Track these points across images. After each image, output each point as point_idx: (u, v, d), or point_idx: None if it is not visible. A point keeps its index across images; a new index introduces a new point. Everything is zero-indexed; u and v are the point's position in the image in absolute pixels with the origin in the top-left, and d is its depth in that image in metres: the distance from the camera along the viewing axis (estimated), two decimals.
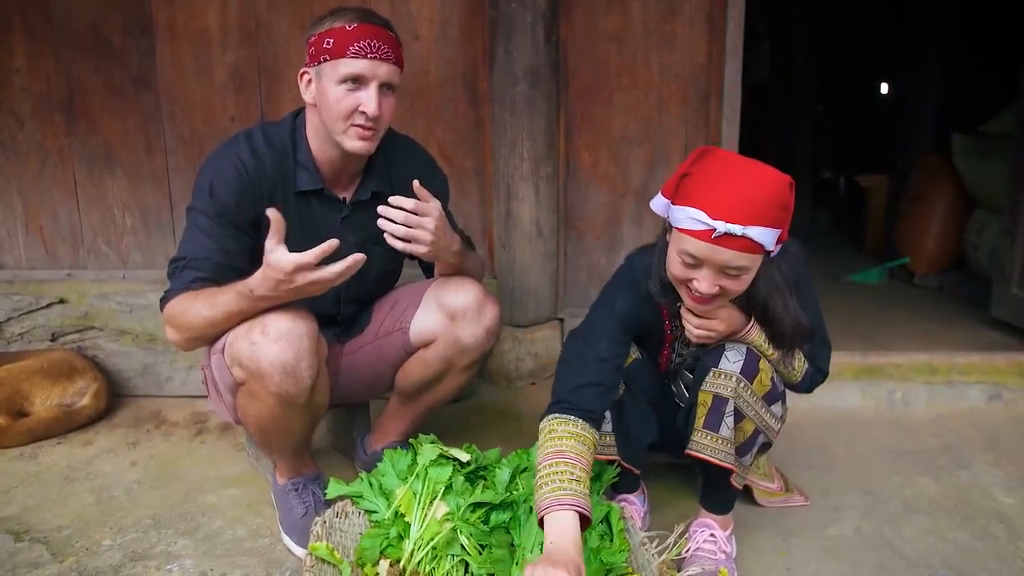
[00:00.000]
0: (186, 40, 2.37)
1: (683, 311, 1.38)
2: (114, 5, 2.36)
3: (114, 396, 2.38)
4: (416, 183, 1.42)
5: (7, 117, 2.47)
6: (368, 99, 1.43)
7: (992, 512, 1.70)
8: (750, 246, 1.18)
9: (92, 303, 2.45)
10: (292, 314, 1.39)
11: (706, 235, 1.18)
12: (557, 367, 1.44)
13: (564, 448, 1.27)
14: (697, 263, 1.23)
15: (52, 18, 2.39)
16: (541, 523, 1.23)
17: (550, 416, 1.34)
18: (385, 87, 1.46)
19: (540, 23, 2.11)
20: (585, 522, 1.22)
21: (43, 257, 2.57)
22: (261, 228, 1.50)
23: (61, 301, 2.46)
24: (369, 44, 1.41)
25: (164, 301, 1.46)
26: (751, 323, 1.39)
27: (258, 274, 1.32)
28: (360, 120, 1.44)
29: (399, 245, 1.43)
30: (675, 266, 1.28)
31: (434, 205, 1.43)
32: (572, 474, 1.24)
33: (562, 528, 1.18)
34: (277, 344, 1.35)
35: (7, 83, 2.44)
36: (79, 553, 1.58)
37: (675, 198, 1.24)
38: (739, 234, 1.15)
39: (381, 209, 1.41)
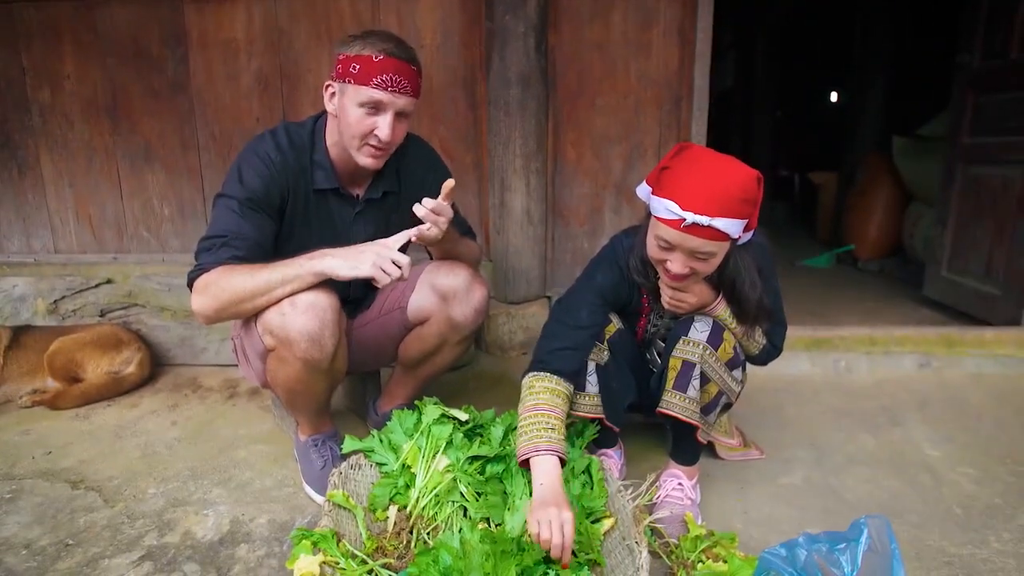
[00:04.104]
0: (216, 49, 2.33)
1: (660, 283, 1.37)
2: (152, 18, 2.33)
3: (156, 365, 2.37)
4: (449, 184, 1.41)
5: (59, 118, 2.44)
6: (384, 125, 1.39)
7: (921, 463, 1.71)
8: (716, 235, 1.17)
9: (135, 283, 2.43)
10: (317, 289, 1.37)
11: (677, 224, 1.17)
12: (542, 330, 1.45)
13: (540, 402, 1.30)
14: (670, 247, 1.22)
15: (98, 29, 2.35)
16: (523, 464, 1.28)
17: (530, 374, 1.37)
18: (400, 114, 1.42)
19: (531, 33, 2.07)
20: (560, 462, 1.25)
21: (92, 243, 2.54)
22: (284, 217, 1.49)
23: (108, 281, 2.44)
24: (391, 78, 1.36)
25: (197, 272, 1.38)
26: (719, 299, 1.38)
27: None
28: (373, 142, 1.41)
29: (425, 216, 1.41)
30: (652, 249, 1.27)
31: (448, 205, 1.43)
32: (547, 423, 1.27)
33: (546, 470, 1.22)
34: (304, 315, 1.34)
35: (59, 88, 2.41)
36: (127, 500, 1.58)
37: (655, 188, 1.23)
38: (706, 224, 1.14)
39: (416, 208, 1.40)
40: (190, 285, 1.38)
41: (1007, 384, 2.18)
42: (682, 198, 1.15)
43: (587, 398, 1.48)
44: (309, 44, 2.30)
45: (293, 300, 1.35)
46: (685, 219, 1.15)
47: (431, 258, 1.68)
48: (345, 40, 1.40)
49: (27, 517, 1.51)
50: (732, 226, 1.16)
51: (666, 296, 1.36)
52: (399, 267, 1.31)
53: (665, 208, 1.18)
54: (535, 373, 1.36)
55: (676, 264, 1.22)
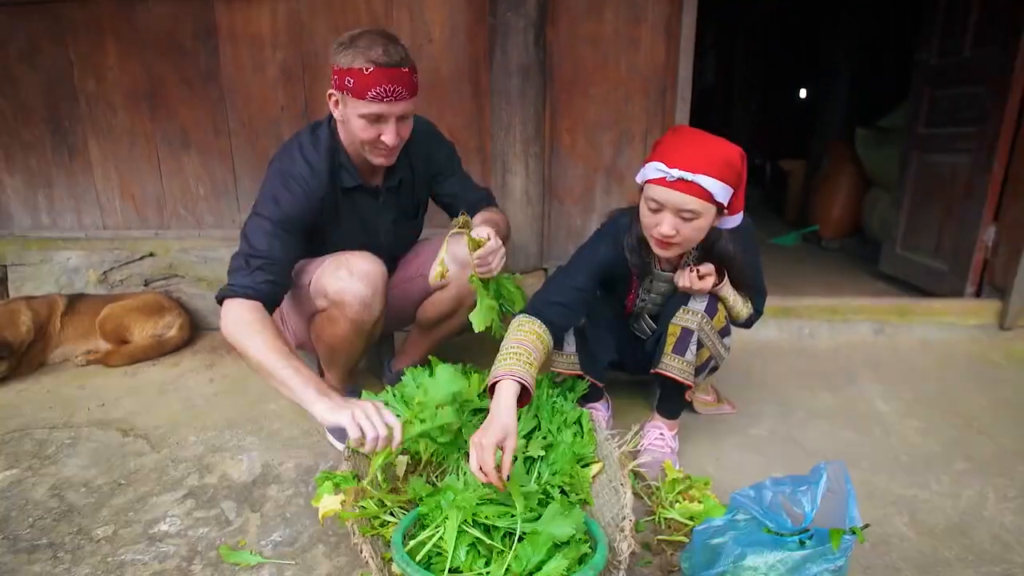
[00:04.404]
0: (244, 42, 2.26)
1: (677, 274, 1.37)
2: (186, 13, 2.25)
3: (195, 329, 2.36)
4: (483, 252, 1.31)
5: (104, 106, 2.38)
6: (388, 133, 1.31)
7: (873, 417, 1.71)
8: (700, 192, 1.14)
9: (175, 256, 2.41)
10: (371, 258, 1.37)
11: (663, 181, 1.15)
12: (543, 284, 1.42)
13: (526, 340, 1.24)
14: (659, 207, 1.19)
15: (136, 25, 2.29)
16: (492, 389, 1.16)
17: (523, 315, 1.32)
18: (402, 117, 1.33)
19: (531, 28, 2.00)
20: (528, 395, 1.18)
21: (136, 220, 2.51)
22: (318, 228, 1.43)
23: (151, 255, 2.42)
24: (385, 89, 1.25)
25: (229, 293, 1.27)
26: (725, 281, 1.37)
27: (325, 392, 1.16)
28: (382, 146, 1.34)
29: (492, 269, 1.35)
30: (644, 214, 1.24)
31: (493, 238, 1.33)
32: (528, 359, 1.20)
33: (502, 396, 1.13)
34: (361, 282, 1.35)
35: (103, 79, 2.35)
36: (171, 446, 1.58)
37: (647, 159, 1.20)
38: (690, 179, 1.12)
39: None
40: (220, 300, 1.29)
41: (951, 348, 2.17)
42: (668, 158, 1.14)
43: (565, 356, 1.48)
44: (328, 38, 2.23)
45: (350, 267, 1.35)
46: (670, 175, 1.13)
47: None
48: (336, 48, 1.28)
49: (84, 460, 1.51)
50: (715, 186, 1.13)
51: (684, 281, 1.35)
52: (383, 425, 1.10)
53: (654, 169, 1.16)
54: (528, 316, 1.31)
55: (664, 225, 1.19)
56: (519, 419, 1.32)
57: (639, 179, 1.24)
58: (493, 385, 1.17)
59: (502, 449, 1.08)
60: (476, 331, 1.33)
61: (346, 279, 1.34)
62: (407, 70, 1.28)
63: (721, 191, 1.15)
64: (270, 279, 1.30)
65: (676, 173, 1.12)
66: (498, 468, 1.06)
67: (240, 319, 1.25)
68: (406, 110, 1.32)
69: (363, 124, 1.30)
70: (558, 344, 1.47)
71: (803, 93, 7.45)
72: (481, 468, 1.06)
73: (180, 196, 2.46)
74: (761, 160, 6.49)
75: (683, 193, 1.14)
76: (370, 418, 1.09)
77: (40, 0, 2.27)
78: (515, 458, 1.23)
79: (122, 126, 2.39)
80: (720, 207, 1.19)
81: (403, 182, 1.54)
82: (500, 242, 1.34)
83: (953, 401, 1.79)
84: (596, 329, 1.50)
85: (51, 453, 1.55)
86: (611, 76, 2.17)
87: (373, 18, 2.19)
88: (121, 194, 2.48)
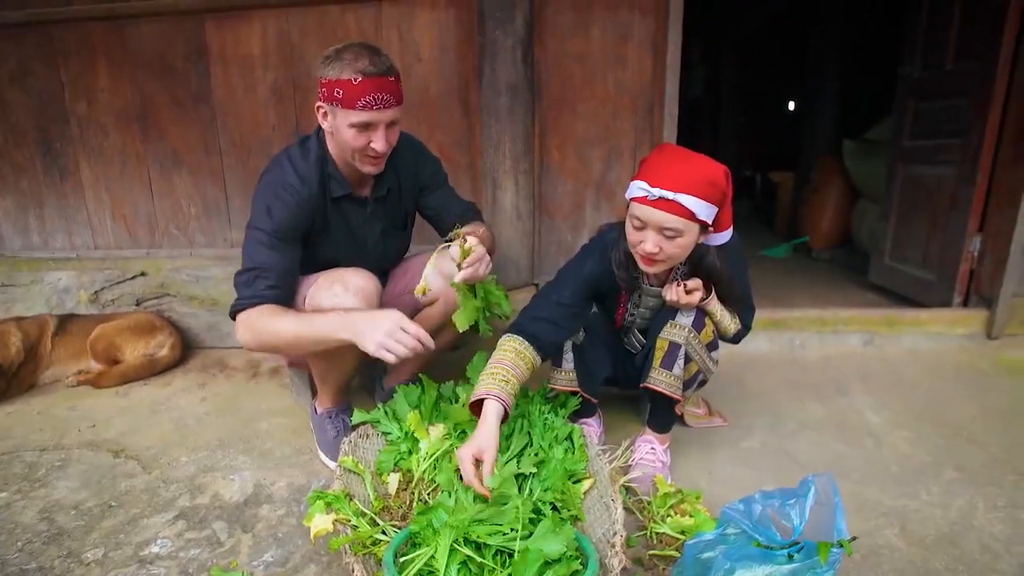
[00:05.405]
0: (235, 63, 2.29)
1: (665, 288, 1.38)
2: (177, 35, 2.28)
3: (186, 348, 2.36)
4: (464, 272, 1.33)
5: (95, 128, 2.40)
6: (378, 139, 1.35)
7: (863, 428, 1.72)
8: (682, 211, 1.16)
9: (167, 275, 2.41)
10: (365, 275, 1.40)
11: (645, 199, 1.17)
12: (531, 299, 1.45)
13: (504, 359, 1.30)
14: (642, 225, 1.21)
15: (127, 46, 2.31)
16: (473, 407, 1.26)
17: (507, 335, 1.36)
18: (391, 124, 1.37)
19: (519, 47, 2.04)
20: (505, 414, 1.24)
21: (127, 239, 2.52)
22: (309, 238, 1.47)
23: (143, 274, 2.42)
24: (374, 97, 1.29)
25: (239, 308, 1.35)
26: (712, 296, 1.39)
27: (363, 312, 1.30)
28: (372, 153, 1.37)
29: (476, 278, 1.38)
30: (629, 232, 1.27)
31: (477, 246, 1.36)
32: (504, 376, 1.26)
33: (484, 415, 1.22)
34: (356, 297, 1.36)
35: (95, 100, 2.37)
36: (163, 467, 1.58)
37: (634, 176, 1.23)
38: (670, 198, 1.14)
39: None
40: (233, 316, 1.36)
41: (939, 358, 2.20)
42: (651, 177, 1.17)
43: (564, 374, 1.48)
44: (318, 58, 2.23)
45: (345, 283, 1.36)
46: (651, 194, 1.15)
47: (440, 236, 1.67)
48: (323, 62, 1.33)
49: (75, 482, 1.51)
50: (696, 204, 1.15)
51: (672, 296, 1.37)
52: (409, 338, 1.25)
53: (638, 188, 1.19)
54: (511, 335, 1.35)
55: (648, 243, 1.21)
56: (511, 433, 1.35)
57: (627, 196, 1.27)
58: (476, 402, 1.24)
59: (481, 461, 1.15)
60: (459, 330, 1.38)
61: (341, 295, 1.35)
62: (393, 79, 1.33)
63: (703, 210, 1.17)
64: (271, 284, 1.35)
65: (657, 192, 1.15)
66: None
67: (256, 318, 1.33)
68: (394, 117, 1.36)
69: (354, 133, 1.34)
70: (556, 361, 1.48)
71: (791, 105, 7.57)
72: (462, 478, 1.16)
73: (171, 216, 2.47)
74: (751, 172, 6.58)
75: (664, 212, 1.16)
76: (408, 331, 1.26)
77: (32, 22, 2.29)
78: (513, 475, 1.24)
79: (113, 147, 2.41)
80: (704, 225, 1.21)
81: (390, 192, 1.57)
82: (484, 249, 1.38)
83: (942, 411, 1.81)
84: (593, 345, 1.51)
85: (41, 475, 1.54)
86: (599, 93, 2.21)
87: (363, 38, 2.22)
88: (112, 214, 2.49)
